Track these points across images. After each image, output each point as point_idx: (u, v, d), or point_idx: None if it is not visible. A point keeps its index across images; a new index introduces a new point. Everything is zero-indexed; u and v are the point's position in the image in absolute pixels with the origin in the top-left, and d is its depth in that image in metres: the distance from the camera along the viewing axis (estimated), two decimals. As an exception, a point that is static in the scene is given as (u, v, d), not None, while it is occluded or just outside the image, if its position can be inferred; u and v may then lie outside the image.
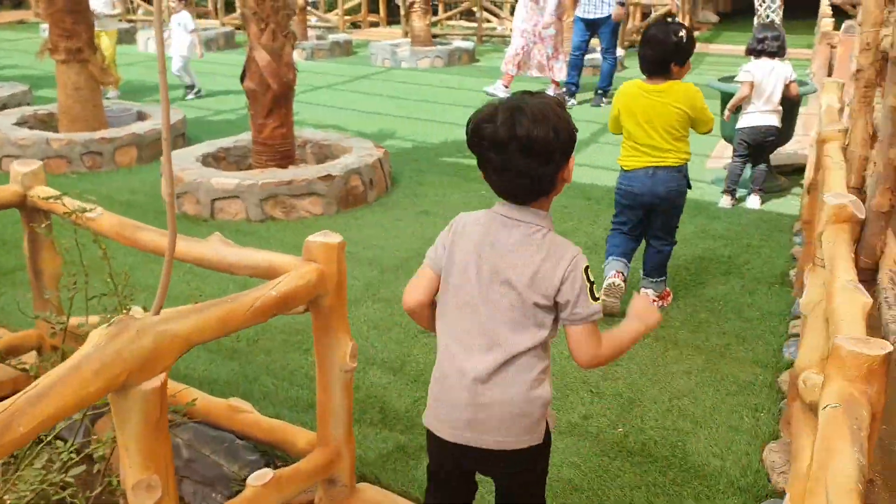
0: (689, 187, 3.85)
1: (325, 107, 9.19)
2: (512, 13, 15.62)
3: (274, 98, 5.52)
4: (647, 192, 3.76)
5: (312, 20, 16.91)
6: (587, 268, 1.83)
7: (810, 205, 3.90)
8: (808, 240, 4.01)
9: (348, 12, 17.23)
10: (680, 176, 3.78)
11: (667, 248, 3.94)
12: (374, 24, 17.67)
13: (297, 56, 13.20)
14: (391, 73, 11.80)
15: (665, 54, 3.61)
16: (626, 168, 3.83)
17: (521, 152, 1.75)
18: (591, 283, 1.82)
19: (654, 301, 3.90)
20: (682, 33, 3.61)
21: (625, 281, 3.90)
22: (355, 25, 17.35)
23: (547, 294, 1.80)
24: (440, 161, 6.82)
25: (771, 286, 4.30)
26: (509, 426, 1.83)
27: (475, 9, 15.10)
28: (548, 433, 1.92)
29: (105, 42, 8.71)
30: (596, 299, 1.82)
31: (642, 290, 3.92)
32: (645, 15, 15.26)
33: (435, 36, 15.02)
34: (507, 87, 9.54)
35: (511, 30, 15.61)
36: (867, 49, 3.66)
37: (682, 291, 4.20)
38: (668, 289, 4.08)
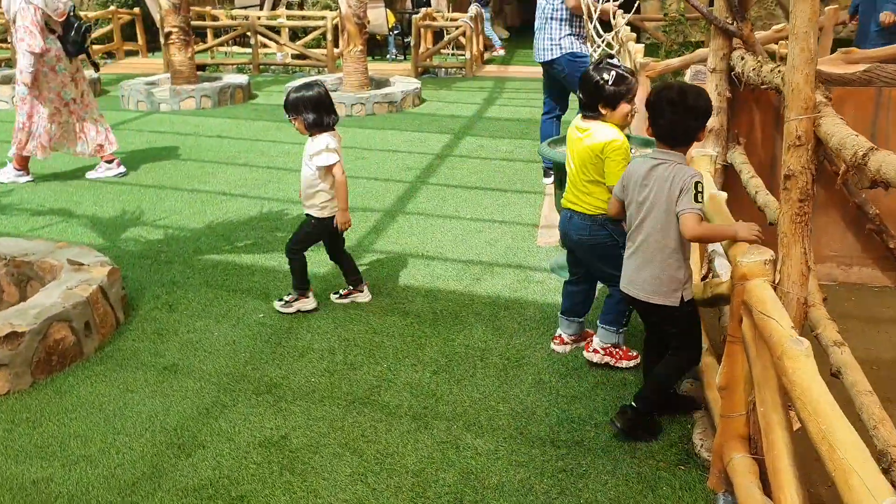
0: (617, 242, 3.45)
1: (47, 181, 7.11)
2: (293, 38, 14.00)
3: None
4: (564, 235, 3.74)
5: (54, 51, 14.29)
6: None
7: (729, 365, 2.70)
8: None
9: (98, 40, 14.75)
10: (594, 226, 3.54)
11: (617, 292, 3.47)
12: (133, 54, 15.31)
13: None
14: (147, 119, 9.77)
15: (589, 95, 3.49)
16: (561, 206, 3.79)
17: None
18: None
19: (597, 352, 3.69)
20: (608, 76, 3.41)
21: (574, 341, 3.88)
22: (110, 55, 14.91)
23: None
24: (204, 261, 5.12)
25: None
26: None
27: (249, 34, 13.30)
28: None
29: None
30: None
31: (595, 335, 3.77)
32: (437, 36, 14.20)
33: (204, 67, 13.06)
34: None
35: (292, 56, 14.05)
36: (798, 145, 2.49)
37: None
38: (625, 348, 3.72)
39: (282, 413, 3.37)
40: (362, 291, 4.48)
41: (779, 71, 3.37)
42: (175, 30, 10.36)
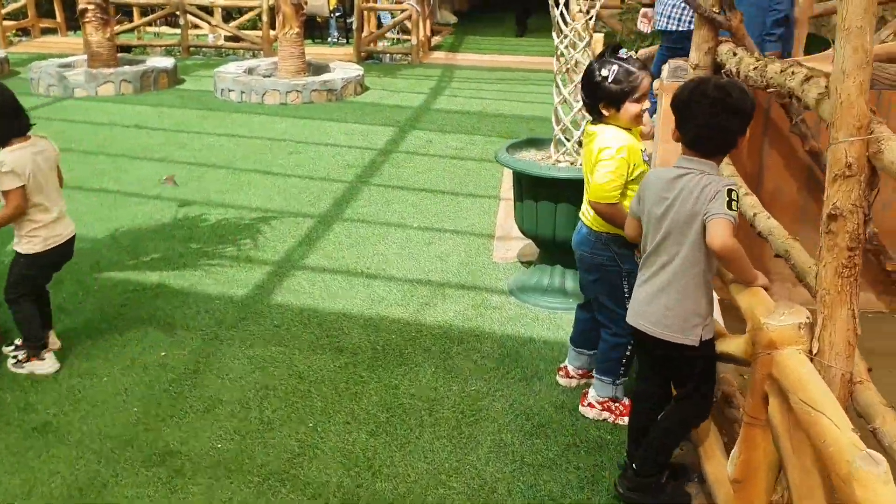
0: (619, 269, 2.95)
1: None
2: (226, 19, 13.07)
3: None
4: (573, 247, 3.16)
5: (-39, 27, 13.08)
6: None
7: (747, 453, 2.10)
8: None
9: (12, 15, 13.55)
10: (597, 243, 3.00)
11: (609, 337, 3.07)
12: (50, 31, 14.13)
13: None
14: (58, 106, 8.80)
15: (588, 95, 2.97)
16: None
17: None
18: None
19: (593, 406, 3.14)
20: (607, 72, 2.87)
21: (582, 376, 3.34)
22: (24, 33, 13.72)
23: None
24: (101, 281, 4.34)
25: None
26: None
27: (178, 13, 12.32)
28: None
29: None
30: None
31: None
32: (379, 22, 13.41)
33: (130, 48, 12.05)
34: None
35: (226, 38, 13.10)
36: (848, 175, 1.89)
37: None
38: (627, 401, 3.08)
39: (176, 494, 2.66)
40: (44, 360, 3.43)
41: (792, 73, 2.77)
42: (91, 7, 9.38)
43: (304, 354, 3.57)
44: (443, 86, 10.40)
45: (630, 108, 2.87)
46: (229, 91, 9.12)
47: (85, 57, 9.89)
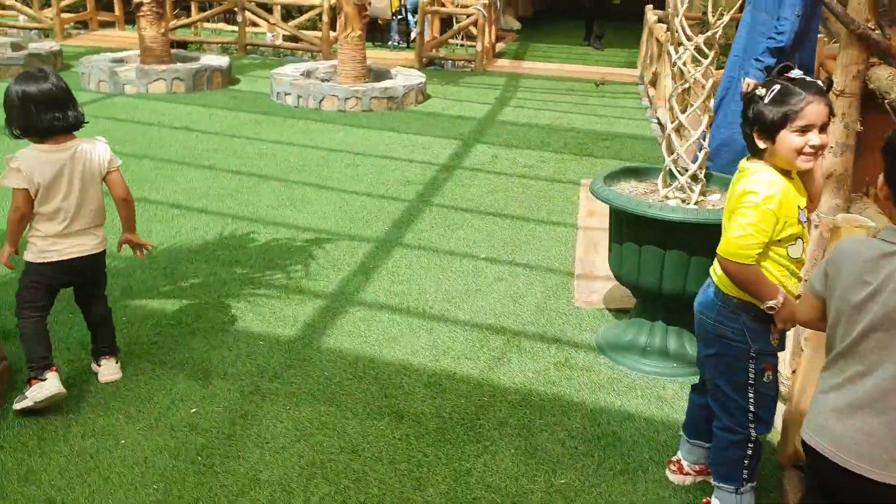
0: (747, 349, 2.34)
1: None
2: (285, 18, 12.67)
3: None
4: (695, 309, 2.50)
5: (21, 18, 12.93)
6: None
7: None
8: None
9: (72, 8, 13.36)
10: (723, 309, 2.37)
11: (722, 432, 2.46)
12: (108, 25, 13.92)
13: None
14: (107, 103, 8.43)
15: (743, 119, 2.33)
16: None
17: None
18: None
19: None
20: (764, 90, 2.24)
21: (699, 472, 2.70)
22: (83, 26, 13.52)
23: None
24: (131, 311, 3.84)
25: None
26: None
27: (237, 10, 11.94)
28: None
29: None
30: None
31: None
32: (445, 24, 12.88)
33: (186, 45, 11.71)
34: None
35: (284, 37, 12.70)
36: None
37: None
38: None
39: None
40: (45, 379, 2.98)
41: None
42: (147, 0, 9.02)
43: (358, 419, 3.00)
44: (508, 95, 9.80)
45: (788, 140, 2.20)
46: (286, 95, 8.65)
47: (138, 52, 9.54)
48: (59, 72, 9.85)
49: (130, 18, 13.79)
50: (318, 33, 12.02)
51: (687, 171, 3.35)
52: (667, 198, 3.38)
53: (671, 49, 3.32)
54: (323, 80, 9.04)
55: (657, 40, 9.06)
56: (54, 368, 3.06)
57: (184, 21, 12.56)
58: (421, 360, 3.45)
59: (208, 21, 13.14)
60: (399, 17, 13.56)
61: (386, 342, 3.60)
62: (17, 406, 2.94)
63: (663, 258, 3.24)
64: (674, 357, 3.42)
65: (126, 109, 8.12)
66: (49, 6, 12.75)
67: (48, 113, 2.86)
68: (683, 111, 3.33)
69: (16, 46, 10.23)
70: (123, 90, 8.84)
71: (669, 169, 3.41)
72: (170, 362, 3.35)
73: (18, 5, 12.86)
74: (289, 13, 12.97)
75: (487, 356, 3.50)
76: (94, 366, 3.24)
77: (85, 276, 3.13)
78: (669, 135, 3.36)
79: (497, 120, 8.42)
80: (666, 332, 3.46)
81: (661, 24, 9.45)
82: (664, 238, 3.22)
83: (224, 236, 4.82)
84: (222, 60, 9.66)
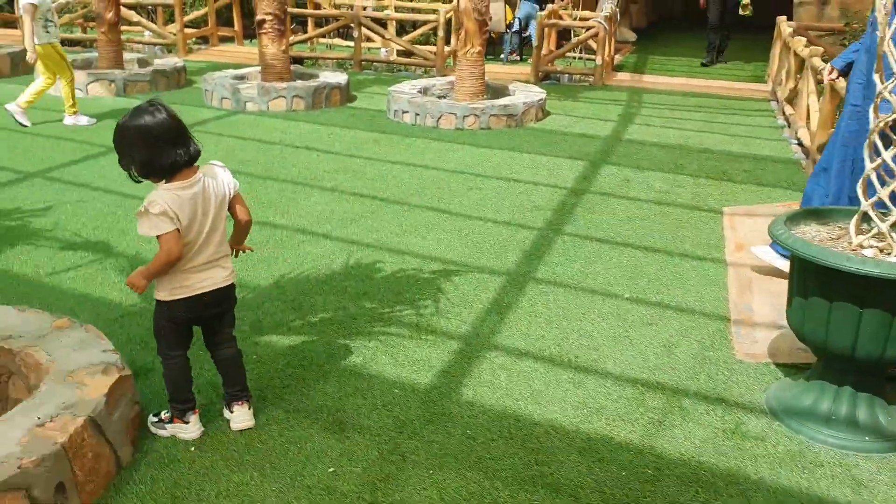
0: None
1: (96, 191, 5.84)
2: (399, 33, 12.60)
3: None
4: None
5: (146, 34, 13.36)
6: None
7: None
8: None
9: (194, 23, 13.73)
10: None
11: None
12: (227, 40, 14.24)
13: (101, 91, 9.77)
14: (230, 121, 8.49)
15: None
16: None
17: None
18: None
19: None
20: None
21: None
22: (204, 41, 13.86)
23: None
24: (261, 349, 3.67)
25: None
26: None
27: (353, 25, 11.95)
28: None
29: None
30: None
31: None
32: (561, 36, 12.52)
33: (302, 60, 11.80)
34: None
35: (398, 52, 12.64)
36: None
37: None
38: None
39: None
40: (188, 423, 2.97)
41: None
42: (269, 17, 9.07)
43: (509, 490, 2.70)
44: (632, 112, 9.35)
45: None
46: (403, 112, 8.51)
47: (258, 69, 9.62)
48: (182, 88, 10.07)
49: (249, 33, 14.09)
50: (433, 48, 11.89)
51: (887, 215, 2.90)
52: (861, 246, 2.94)
53: (875, 78, 2.88)
54: (439, 97, 8.86)
55: (795, 54, 8.44)
56: (196, 411, 2.98)
57: (300, 37, 12.68)
58: (571, 420, 3.13)
59: (323, 36, 13.23)
60: (513, 30, 13.30)
61: (530, 397, 3.29)
62: (155, 430, 2.96)
63: (860, 318, 2.81)
64: (865, 429, 2.97)
65: (248, 127, 8.14)
66: (173, 22, 13.14)
67: (171, 148, 2.66)
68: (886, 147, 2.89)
69: (142, 62, 10.52)
70: (245, 107, 8.91)
71: (865, 213, 2.97)
72: (303, 409, 3.14)
73: (144, 21, 13.30)
74: (403, 28, 12.91)
75: (646, 418, 3.14)
76: (225, 411, 3.08)
77: (217, 309, 2.96)
78: (869, 175, 2.92)
79: (623, 139, 8.00)
80: (855, 399, 3.01)
81: (799, 38, 8.81)
82: (862, 295, 2.79)
83: (350, 265, 4.64)
84: (341, 78, 9.62)
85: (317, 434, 2.99)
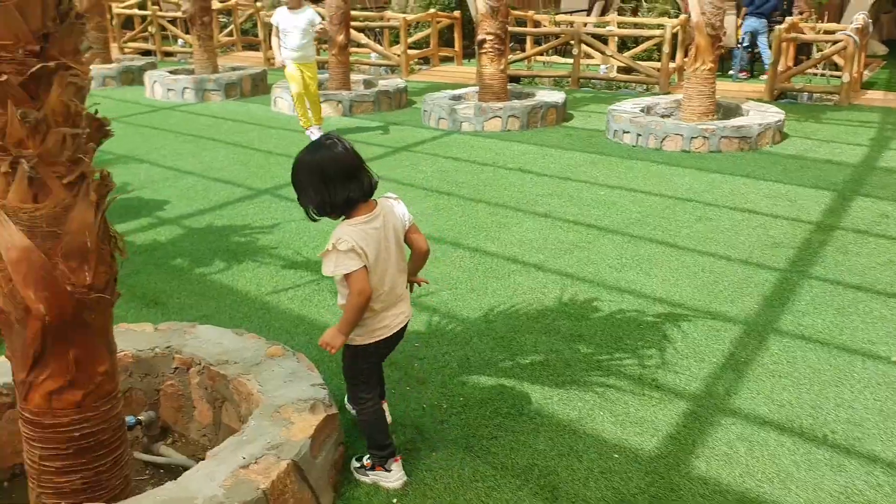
0: None
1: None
2: (621, 49, 12.13)
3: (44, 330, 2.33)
4: None
5: (372, 56, 13.92)
6: None
7: None
8: None
9: (416, 45, 14.10)
10: None
11: None
12: (448, 60, 14.48)
13: (330, 111, 10.20)
14: (445, 141, 8.50)
15: None
16: None
17: None
18: None
19: None
20: None
21: None
22: (425, 61, 14.20)
23: None
24: (467, 391, 3.45)
25: None
26: None
27: (572, 42, 11.66)
28: None
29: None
30: None
31: None
32: (800, 52, 11.42)
33: (518, 78, 11.68)
34: None
35: (618, 69, 12.16)
36: None
37: None
38: None
39: None
40: (390, 471, 2.80)
41: None
42: (490, 37, 9.00)
43: None
44: (887, 136, 8.24)
45: None
46: (623, 133, 8.07)
47: (475, 89, 9.60)
48: (402, 108, 10.28)
49: (468, 53, 14.26)
50: (655, 64, 11.30)
51: None
52: None
53: None
54: (664, 117, 8.32)
55: None
56: (398, 458, 2.82)
57: (518, 56, 12.59)
58: (832, 515, 2.59)
59: (541, 54, 13.06)
60: (743, 45, 12.35)
61: (777, 478, 2.78)
62: (357, 474, 2.85)
63: None
64: None
65: (462, 148, 8.09)
66: (398, 43, 13.56)
67: (345, 183, 2.55)
68: None
69: (368, 84, 10.89)
70: (461, 128, 8.89)
71: None
72: (512, 467, 2.86)
73: (372, 44, 13.85)
74: (624, 44, 12.43)
75: (931, 525, 2.54)
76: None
77: (396, 343, 2.86)
78: None
79: (877, 167, 7.02)
80: None
81: None
82: None
83: (564, 301, 4.32)
84: (557, 96, 9.35)
85: (527, 498, 2.69)
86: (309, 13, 7.90)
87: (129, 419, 3.07)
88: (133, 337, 3.28)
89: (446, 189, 6.56)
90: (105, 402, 2.48)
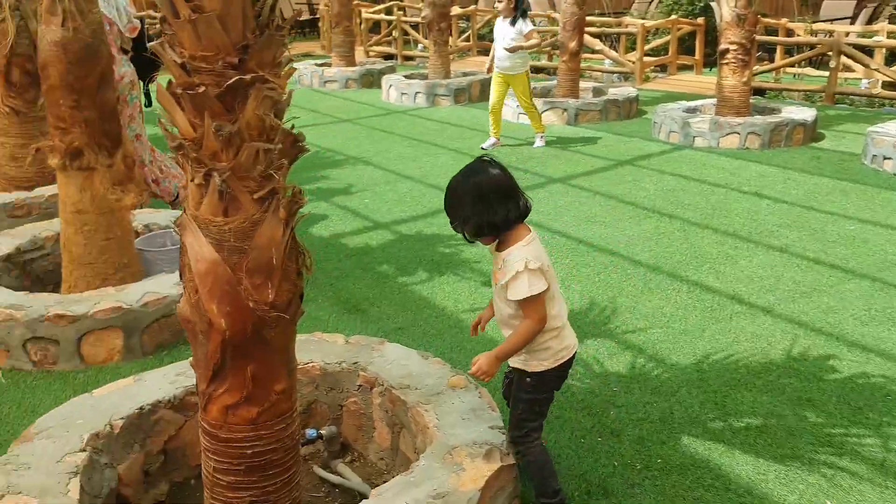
0: None
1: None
2: (889, 62, 10.74)
3: (222, 344, 2.31)
4: None
5: (605, 62, 13.50)
6: None
7: None
8: None
9: (654, 52, 13.46)
10: None
11: None
12: (686, 68, 13.68)
13: (554, 119, 9.95)
14: (674, 156, 7.93)
15: None
16: None
17: None
18: None
19: None
20: None
21: None
22: (662, 69, 13.52)
23: None
24: (671, 452, 3.07)
25: None
26: None
27: (830, 54, 10.49)
28: None
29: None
30: None
31: None
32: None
33: (763, 91, 10.74)
34: None
35: (883, 84, 10.78)
36: None
37: None
38: None
39: None
40: None
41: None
42: (733, 47, 8.28)
43: None
44: None
45: None
46: (884, 159, 7.05)
47: (713, 101, 8.90)
48: (631, 118, 9.80)
49: (709, 62, 13.38)
50: (932, 80, 9.86)
51: None
52: None
53: None
54: (938, 143, 7.16)
55: None
56: None
57: (765, 67, 11.58)
58: None
59: (791, 66, 11.92)
60: None
61: None
62: None
63: None
64: None
65: (692, 165, 7.50)
66: (633, 50, 13.03)
67: (503, 204, 2.48)
68: None
69: (597, 91, 10.52)
70: (693, 142, 8.27)
71: None
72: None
73: (606, 50, 13.41)
74: (893, 56, 10.99)
75: None
76: None
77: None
78: None
79: None
80: None
81: None
82: None
83: (793, 356, 3.75)
84: (807, 114, 8.41)
85: None
86: (519, 22, 7.73)
87: (310, 432, 3.05)
88: (324, 348, 3.26)
89: (669, 210, 6.08)
90: (279, 421, 2.43)
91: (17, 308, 3.71)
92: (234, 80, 2.12)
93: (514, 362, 2.61)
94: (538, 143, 8.31)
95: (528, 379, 2.58)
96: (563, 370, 2.60)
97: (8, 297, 3.83)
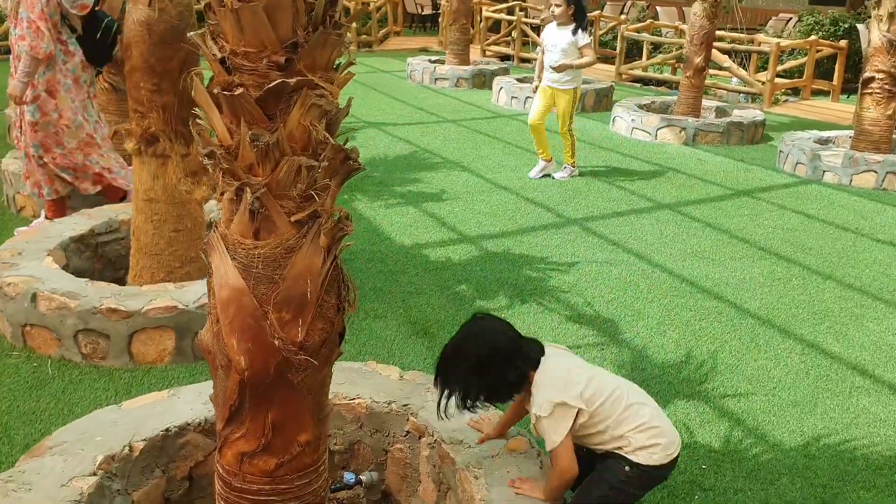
0: None
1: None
2: None
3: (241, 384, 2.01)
4: None
5: (732, 81, 12.67)
6: None
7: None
8: None
9: (787, 73, 12.53)
10: None
11: None
12: (821, 93, 12.67)
13: (670, 138, 9.30)
14: (799, 190, 7.20)
15: None
16: None
17: None
18: None
19: None
20: None
21: None
22: (794, 92, 12.58)
23: None
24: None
25: None
26: None
27: None
28: None
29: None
30: None
31: None
32: None
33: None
34: None
35: None
36: None
37: None
38: None
39: None
40: None
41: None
42: (880, 75, 7.46)
43: None
44: None
45: None
46: None
47: (849, 133, 8.09)
48: (755, 144, 9.06)
49: (848, 88, 12.34)
50: None
51: None
52: None
53: None
54: None
55: None
56: None
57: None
58: None
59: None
60: None
61: None
62: None
63: None
64: None
65: (819, 203, 6.78)
66: (764, 70, 12.16)
67: (516, 356, 2.32)
68: None
69: (720, 112, 9.82)
70: (822, 177, 7.51)
71: None
72: None
73: (734, 67, 12.58)
74: None
75: None
76: None
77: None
78: None
79: None
80: None
81: None
82: None
83: (926, 451, 3.15)
84: (959, 155, 7.50)
85: None
86: (578, 33, 6.75)
87: (349, 476, 2.73)
88: (375, 382, 2.93)
89: (788, 253, 5.45)
90: (301, 476, 2.11)
91: (71, 297, 3.56)
92: (276, 82, 1.80)
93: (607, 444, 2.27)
94: (560, 174, 7.15)
95: (623, 468, 2.23)
96: (667, 472, 2.28)
97: (66, 284, 3.69)
